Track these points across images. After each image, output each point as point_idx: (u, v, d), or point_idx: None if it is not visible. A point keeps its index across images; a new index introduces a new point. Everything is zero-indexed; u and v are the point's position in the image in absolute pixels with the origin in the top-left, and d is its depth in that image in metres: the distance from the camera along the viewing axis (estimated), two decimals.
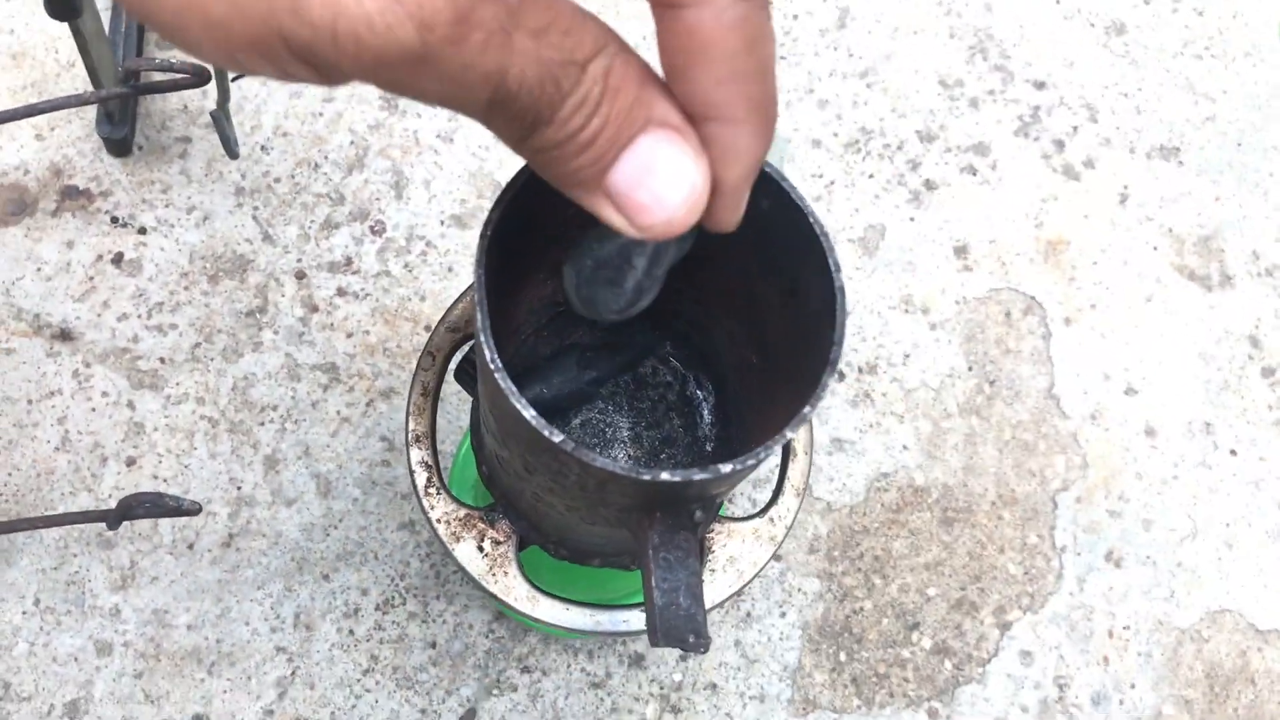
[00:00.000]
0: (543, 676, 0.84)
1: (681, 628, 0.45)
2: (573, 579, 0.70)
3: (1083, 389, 0.94)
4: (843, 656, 0.87)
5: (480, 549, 0.58)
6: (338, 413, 0.87)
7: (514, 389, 0.41)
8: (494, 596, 0.57)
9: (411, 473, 0.58)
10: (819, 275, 0.45)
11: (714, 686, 0.85)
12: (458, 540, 0.58)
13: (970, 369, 0.93)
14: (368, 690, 0.83)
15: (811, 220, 0.45)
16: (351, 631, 0.83)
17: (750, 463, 0.42)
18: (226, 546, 0.84)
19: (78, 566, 0.82)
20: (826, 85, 1.00)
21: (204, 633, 0.82)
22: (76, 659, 0.81)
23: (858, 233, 0.96)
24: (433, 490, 0.58)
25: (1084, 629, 0.89)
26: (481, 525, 0.58)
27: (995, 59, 1.03)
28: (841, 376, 0.92)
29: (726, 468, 0.41)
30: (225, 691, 0.81)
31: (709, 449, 0.63)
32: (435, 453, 0.59)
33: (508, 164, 0.93)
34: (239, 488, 0.85)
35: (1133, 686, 0.88)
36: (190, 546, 0.84)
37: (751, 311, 0.55)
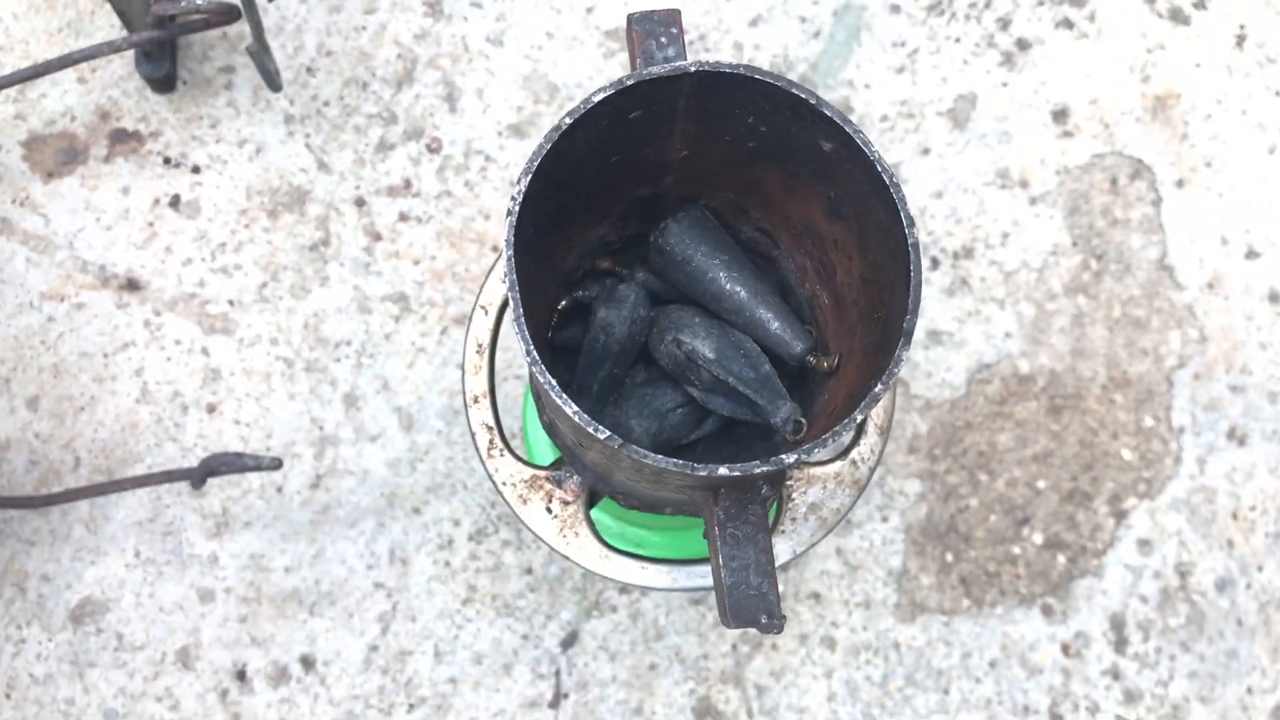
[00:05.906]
0: (641, 596, 0.83)
1: (753, 608, 0.42)
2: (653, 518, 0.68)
3: (1198, 256, 0.87)
4: (949, 557, 0.84)
5: (549, 510, 0.55)
6: (412, 343, 0.85)
7: (553, 382, 0.38)
8: (566, 558, 0.55)
9: (473, 435, 0.56)
10: (891, 226, 0.40)
11: (817, 596, 0.83)
12: (525, 503, 0.55)
13: (1075, 244, 0.87)
14: (468, 620, 0.82)
15: (880, 169, 0.40)
16: (447, 563, 0.83)
17: (816, 452, 0.38)
18: (315, 488, 0.83)
19: (172, 517, 0.83)
20: None
21: (301, 574, 0.83)
22: (182, 607, 0.82)
23: (946, 104, 0.88)
24: (495, 453, 0.56)
25: (1206, 512, 0.84)
26: (549, 486, 0.56)
27: None
28: (936, 264, 0.86)
29: (790, 458, 0.38)
30: (328, 630, 0.82)
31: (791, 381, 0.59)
32: (496, 411, 0.57)
33: (562, 64, 0.88)
34: (321, 427, 0.84)
35: (1260, 569, 0.84)
36: (279, 490, 0.83)
37: (821, 253, 0.50)
